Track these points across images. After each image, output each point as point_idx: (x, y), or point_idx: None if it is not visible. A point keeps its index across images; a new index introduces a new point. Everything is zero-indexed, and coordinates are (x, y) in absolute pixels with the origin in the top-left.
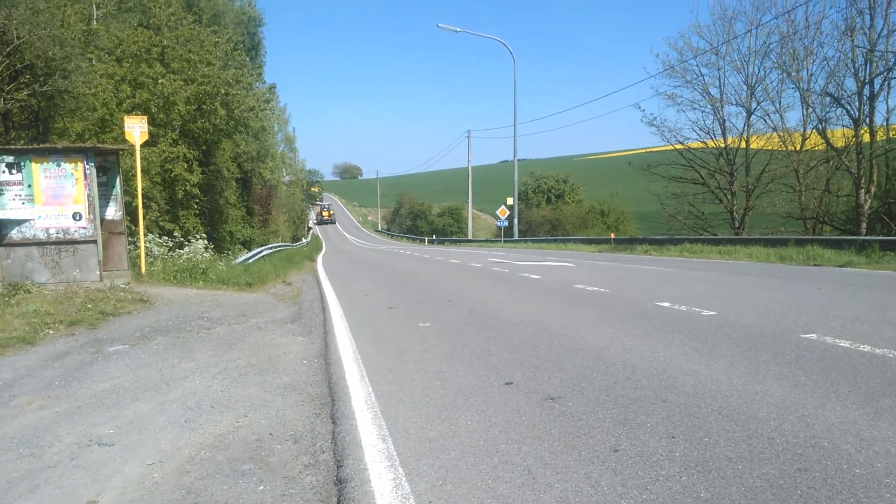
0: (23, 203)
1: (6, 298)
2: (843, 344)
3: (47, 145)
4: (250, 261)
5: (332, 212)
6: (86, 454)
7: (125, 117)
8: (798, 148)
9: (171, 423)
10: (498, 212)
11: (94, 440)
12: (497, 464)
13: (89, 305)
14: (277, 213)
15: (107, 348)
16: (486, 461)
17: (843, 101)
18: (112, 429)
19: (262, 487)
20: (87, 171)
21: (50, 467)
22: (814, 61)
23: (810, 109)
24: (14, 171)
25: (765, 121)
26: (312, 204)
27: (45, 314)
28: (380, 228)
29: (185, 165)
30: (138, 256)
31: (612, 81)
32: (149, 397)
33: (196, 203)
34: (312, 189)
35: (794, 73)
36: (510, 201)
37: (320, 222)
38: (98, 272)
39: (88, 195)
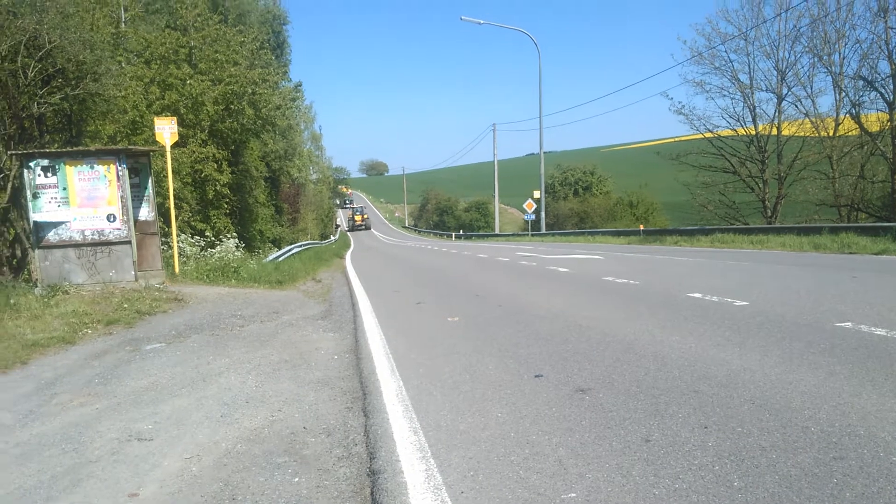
0: (58, 206)
1: (45, 300)
2: (879, 332)
3: (81, 148)
4: (280, 259)
5: (365, 215)
6: (126, 449)
7: (155, 119)
8: (831, 133)
9: (208, 418)
10: (525, 205)
11: (134, 435)
12: (528, 455)
13: (125, 305)
14: (306, 211)
15: (144, 346)
16: (516, 452)
17: (877, 85)
18: (151, 424)
19: (297, 479)
20: (120, 173)
21: (92, 462)
22: (846, 44)
23: (843, 94)
24: (49, 175)
25: (796, 106)
26: (342, 207)
27: (83, 314)
28: (407, 224)
29: (215, 165)
30: (171, 256)
31: (638, 70)
32: (185, 393)
33: (226, 203)
34: (342, 189)
35: (825, 57)
36: (537, 194)
37: (352, 228)
38: (133, 272)
39: (121, 197)
